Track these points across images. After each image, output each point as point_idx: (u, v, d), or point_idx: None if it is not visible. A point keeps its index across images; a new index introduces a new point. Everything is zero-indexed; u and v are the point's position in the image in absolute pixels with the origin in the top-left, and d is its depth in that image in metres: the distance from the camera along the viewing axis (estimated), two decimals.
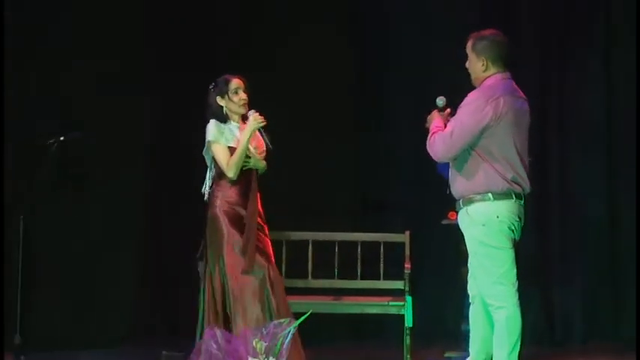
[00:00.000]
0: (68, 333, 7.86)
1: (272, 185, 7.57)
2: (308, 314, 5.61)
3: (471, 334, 5.97)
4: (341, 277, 7.56)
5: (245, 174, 6.33)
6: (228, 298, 6.18)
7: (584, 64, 8.37)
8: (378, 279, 7.52)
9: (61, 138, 7.51)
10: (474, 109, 5.55)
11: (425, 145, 5.81)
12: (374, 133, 8.65)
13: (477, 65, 5.72)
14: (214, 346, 4.90)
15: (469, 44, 5.75)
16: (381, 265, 7.48)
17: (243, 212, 6.29)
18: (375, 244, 7.53)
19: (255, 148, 6.35)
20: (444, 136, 5.60)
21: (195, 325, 6.73)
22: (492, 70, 5.70)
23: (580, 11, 8.40)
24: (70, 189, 8.03)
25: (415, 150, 7.52)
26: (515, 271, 5.65)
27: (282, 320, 5.19)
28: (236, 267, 6.18)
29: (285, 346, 4.89)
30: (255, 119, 6.26)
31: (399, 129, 8.37)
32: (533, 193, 7.49)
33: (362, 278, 7.53)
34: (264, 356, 4.76)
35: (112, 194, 8.19)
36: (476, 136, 5.56)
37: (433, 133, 5.68)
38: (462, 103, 5.64)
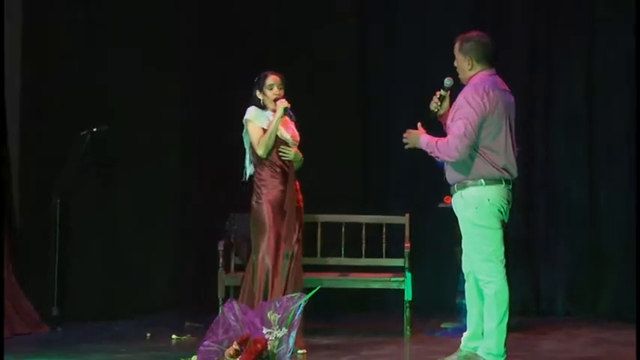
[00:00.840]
0: (101, 306, 8.06)
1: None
2: (317, 289, 5.95)
3: (467, 309, 6.07)
4: (347, 255, 7.77)
5: (285, 165, 6.56)
6: (269, 286, 6.40)
7: (568, 61, 8.56)
8: (381, 257, 7.73)
9: (93, 129, 7.83)
10: (474, 105, 5.65)
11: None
12: (377, 124, 8.79)
13: (463, 64, 5.83)
14: (232, 317, 5.05)
15: (456, 46, 5.87)
16: (384, 244, 7.70)
17: (284, 201, 6.50)
18: (378, 226, 7.75)
19: (291, 137, 6.59)
20: (459, 137, 5.61)
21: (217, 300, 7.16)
22: (478, 68, 5.80)
23: (565, 11, 8.58)
24: (102, 174, 8.23)
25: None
26: (503, 249, 5.73)
27: (294, 294, 5.38)
28: (278, 254, 6.44)
29: (296, 317, 4.99)
30: (281, 103, 6.51)
31: (400, 120, 8.32)
32: (522, 180, 7.51)
33: (366, 256, 7.73)
34: (277, 327, 4.91)
35: (143, 177, 8.34)
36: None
37: (437, 141, 5.71)
38: (458, 104, 5.73)
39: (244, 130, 6.62)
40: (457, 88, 5.89)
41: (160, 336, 7.20)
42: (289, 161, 6.59)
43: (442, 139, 5.74)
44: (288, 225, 6.50)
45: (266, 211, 6.51)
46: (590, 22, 8.54)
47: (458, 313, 7.51)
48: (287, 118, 6.63)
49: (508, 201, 5.82)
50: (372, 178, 8.85)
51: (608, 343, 7.03)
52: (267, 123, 6.56)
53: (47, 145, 8.00)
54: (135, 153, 8.37)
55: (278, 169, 6.58)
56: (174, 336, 7.15)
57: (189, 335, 7.16)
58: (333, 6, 8.83)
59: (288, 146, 6.58)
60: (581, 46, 8.56)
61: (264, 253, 6.45)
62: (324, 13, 8.78)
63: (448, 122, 5.83)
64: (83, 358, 6.33)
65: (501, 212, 5.79)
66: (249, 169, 6.68)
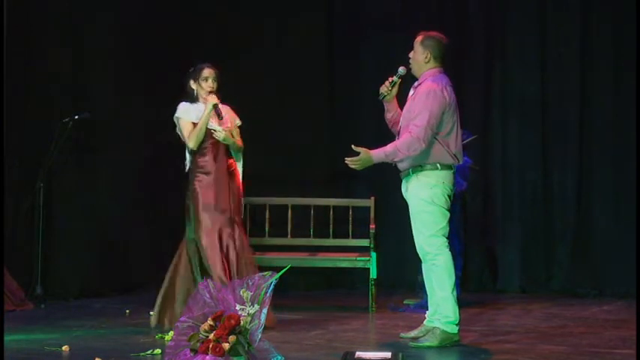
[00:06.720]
0: (82, 284, 7.95)
1: (260, 157, 7.68)
2: (288, 267, 5.84)
3: (427, 289, 6.05)
4: (316, 236, 7.75)
5: (214, 146, 6.42)
6: (204, 255, 6.32)
7: (522, 55, 8.51)
8: (348, 237, 7.71)
9: (75, 117, 7.67)
10: (436, 97, 5.72)
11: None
12: (343, 113, 8.72)
13: (421, 56, 5.89)
14: (207, 295, 4.90)
15: (419, 38, 5.93)
16: (350, 225, 7.67)
17: (213, 177, 6.40)
18: (345, 208, 7.71)
19: (219, 125, 6.44)
20: (423, 129, 5.68)
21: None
22: (432, 64, 5.88)
23: (519, 7, 8.53)
24: (83, 159, 8.06)
25: (378, 126, 7.65)
26: (448, 227, 5.88)
27: (265, 273, 5.20)
28: (209, 226, 6.32)
29: (268, 295, 4.86)
30: (211, 99, 6.39)
31: (365, 108, 8.43)
32: (479, 164, 7.70)
33: (334, 237, 7.70)
34: (249, 304, 4.74)
35: (121, 160, 8.19)
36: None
37: (395, 145, 5.76)
38: (418, 95, 5.80)
39: (177, 127, 6.50)
40: (410, 79, 5.99)
41: (138, 312, 7.10)
42: (219, 145, 6.45)
43: (399, 140, 5.83)
44: (217, 200, 6.38)
45: (198, 191, 6.41)
46: (542, 12, 8.48)
47: (420, 289, 7.44)
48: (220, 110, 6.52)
49: (453, 184, 5.99)
50: (339, 164, 8.63)
51: (560, 318, 7.05)
52: (197, 116, 6.45)
53: (31, 132, 7.86)
54: (112, 137, 8.24)
55: (208, 152, 6.45)
56: (152, 312, 6.92)
57: None
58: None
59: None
60: (534, 36, 8.51)
61: (193, 228, 6.39)
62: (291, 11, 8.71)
63: (405, 109, 5.91)
64: (65, 333, 6.22)
65: (449, 195, 5.93)
66: (189, 158, 6.53)
